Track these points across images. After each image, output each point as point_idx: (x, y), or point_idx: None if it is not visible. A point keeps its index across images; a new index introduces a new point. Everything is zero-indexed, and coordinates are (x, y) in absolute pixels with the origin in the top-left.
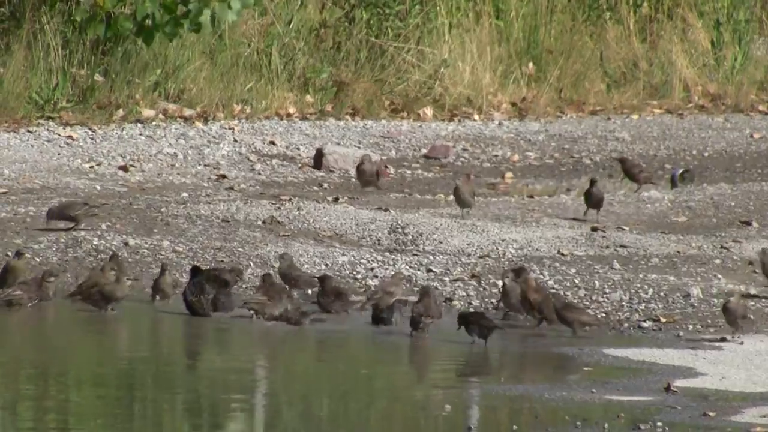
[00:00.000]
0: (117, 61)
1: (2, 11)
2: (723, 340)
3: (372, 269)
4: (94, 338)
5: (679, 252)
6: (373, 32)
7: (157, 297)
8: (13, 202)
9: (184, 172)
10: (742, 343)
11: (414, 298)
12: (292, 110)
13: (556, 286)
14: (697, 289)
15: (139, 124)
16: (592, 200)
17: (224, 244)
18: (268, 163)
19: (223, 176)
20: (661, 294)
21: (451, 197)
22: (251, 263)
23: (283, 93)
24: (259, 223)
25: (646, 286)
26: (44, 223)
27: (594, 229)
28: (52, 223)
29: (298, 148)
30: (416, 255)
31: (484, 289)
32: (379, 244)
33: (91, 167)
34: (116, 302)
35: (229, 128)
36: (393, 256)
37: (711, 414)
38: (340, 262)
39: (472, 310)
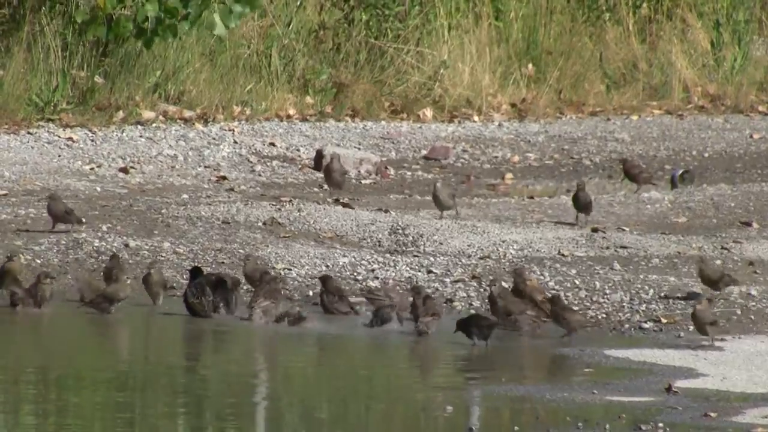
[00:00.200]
0: (117, 62)
1: (2, 13)
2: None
3: (373, 270)
4: (96, 341)
5: (679, 253)
6: (372, 33)
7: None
8: (14, 204)
9: (185, 174)
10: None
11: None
12: (292, 112)
13: (556, 287)
14: (697, 290)
15: (139, 126)
16: (580, 204)
17: (225, 246)
18: (268, 164)
19: (224, 178)
20: (662, 295)
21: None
22: None
23: (283, 94)
24: (260, 224)
25: (646, 287)
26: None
27: (594, 230)
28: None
29: (298, 150)
30: (417, 256)
31: (485, 290)
32: (379, 245)
33: (92, 169)
34: (118, 303)
35: (229, 130)
36: (394, 258)
37: (712, 415)
38: (340, 263)
39: (466, 315)
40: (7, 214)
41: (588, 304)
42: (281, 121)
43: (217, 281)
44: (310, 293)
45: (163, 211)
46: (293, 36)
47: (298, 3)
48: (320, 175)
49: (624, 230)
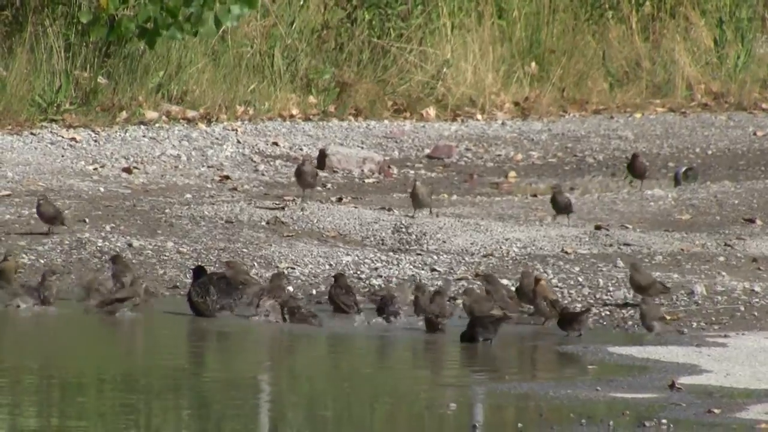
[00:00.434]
0: (120, 63)
1: (5, 14)
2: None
3: (376, 269)
4: (101, 341)
5: (682, 250)
6: (375, 33)
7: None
8: (17, 204)
9: (188, 174)
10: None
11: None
12: (295, 111)
13: (560, 284)
14: (701, 287)
15: (142, 126)
16: (559, 207)
17: (228, 245)
18: (271, 163)
19: (227, 177)
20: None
21: (452, 196)
22: (255, 264)
23: (286, 94)
24: (263, 223)
25: None
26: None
27: (598, 228)
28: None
29: (302, 149)
30: (420, 254)
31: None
32: (383, 243)
33: (95, 169)
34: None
35: (233, 129)
36: (397, 256)
37: (716, 411)
38: (344, 261)
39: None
40: (11, 215)
41: (591, 301)
42: (284, 120)
43: (221, 280)
44: (314, 292)
45: (166, 210)
46: (296, 36)
47: (301, 2)
48: (324, 174)
49: (627, 228)
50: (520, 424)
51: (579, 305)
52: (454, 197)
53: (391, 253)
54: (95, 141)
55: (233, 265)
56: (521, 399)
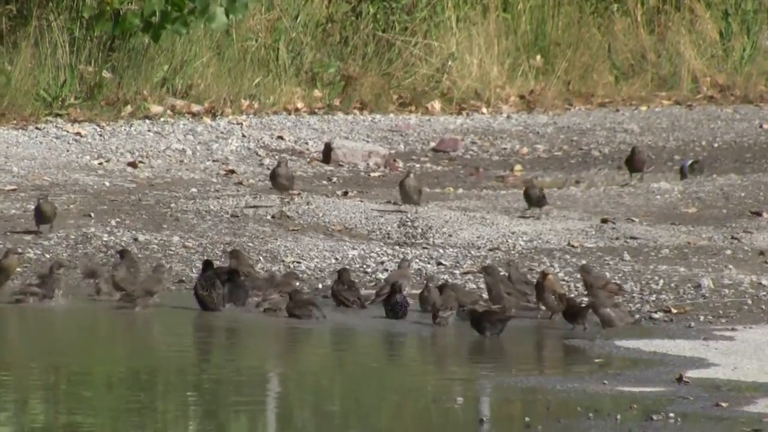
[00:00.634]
0: (124, 57)
1: (9, 9)
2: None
3: (382, 263)
4: (111, 335)
5: (689, 243)
6: (380, 26)
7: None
8: (23, 199)
9: (193, 168)
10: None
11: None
12: (300, 105)
13: (566, 278)
14: (708, 280)
15: (147, 121)
16: (532, 201)
17: (234, 239)
18: (276, 157)
19: (232, 171)
20: (672, 285)
21: (458, 189)
22: (261, 258)
23: (290, 88)
24: (269, 217)
25: (656, 278)
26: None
27: (604, 221)
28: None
29: (307, 143)
30: (426, 248)
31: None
32: (388, 237)
33: (100, 164)
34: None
35: (238, 123)
36: (403, 250)
37: (723, 404)
38: (350, 255)
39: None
40: (16, 209)
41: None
42: (289, 114)
43: (228, 274)
44: (320, 286)
45: (172, 205)
46: (301, 29)
47: None
48: (329, 168)
49: (633, 221)
50: (527, 418)
51: (585, 299)
52: (460, 191)
53: (397, 247)
54: (100, 135)
55: (237, 255)
56: (528, 393)
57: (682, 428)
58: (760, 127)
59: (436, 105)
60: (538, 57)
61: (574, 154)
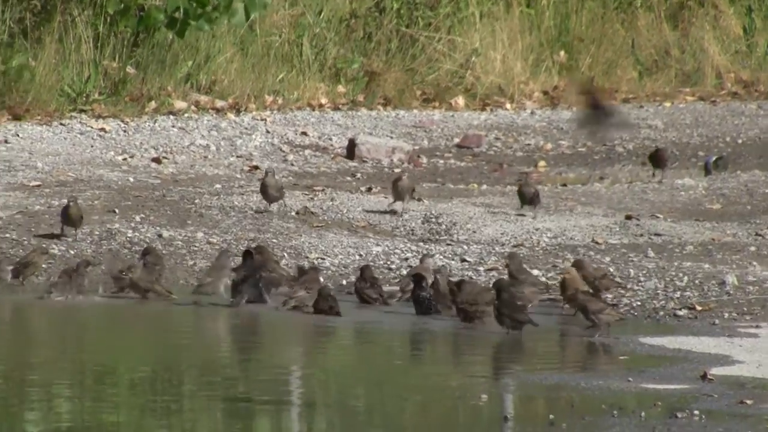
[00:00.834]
0: (148, 53)
1: (33, 4)
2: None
3: (406, 259)
4: (134, 333)
5: (713, 239)
6: (403, 22)
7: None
8: (47, 195)
9: (217, 164)
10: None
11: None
12: (323, 101)
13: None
14: (732, 277)
15: (171, 116)
16: (525, 198)
17: (258, 236)
18: (300, 153)
19: (256, 167)
20: (696, 282)
21: (482, 185)
22: (285, 254)
23: (314, 83)
24: (293, 213)
25: (681, 274)
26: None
27: (628, 218)
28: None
29: (331, 139)
30: (450, 245)
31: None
32: (413, 234)
33: (124, 159)
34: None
35: (261, 119)
36: (427, 246)
37: (748, 402)
38: (374, 252)
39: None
40: (41, 205)
41: (622, 291)
42: (313, 110)
43: (251, 270)
44: (344, 282)
45: (196, 201)
46: (324, 25)
47: None
48: (353, 163)
49: (658, 217)
50: (551, 416)
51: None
52: (484, 187)
53: (421, 244)
54: (124, 131)
55: (262, 251)
56: (552, 390)
57: (707, 426)
58: None
59: (460, 101)
60: (562, 52)
61: (598, 150)
